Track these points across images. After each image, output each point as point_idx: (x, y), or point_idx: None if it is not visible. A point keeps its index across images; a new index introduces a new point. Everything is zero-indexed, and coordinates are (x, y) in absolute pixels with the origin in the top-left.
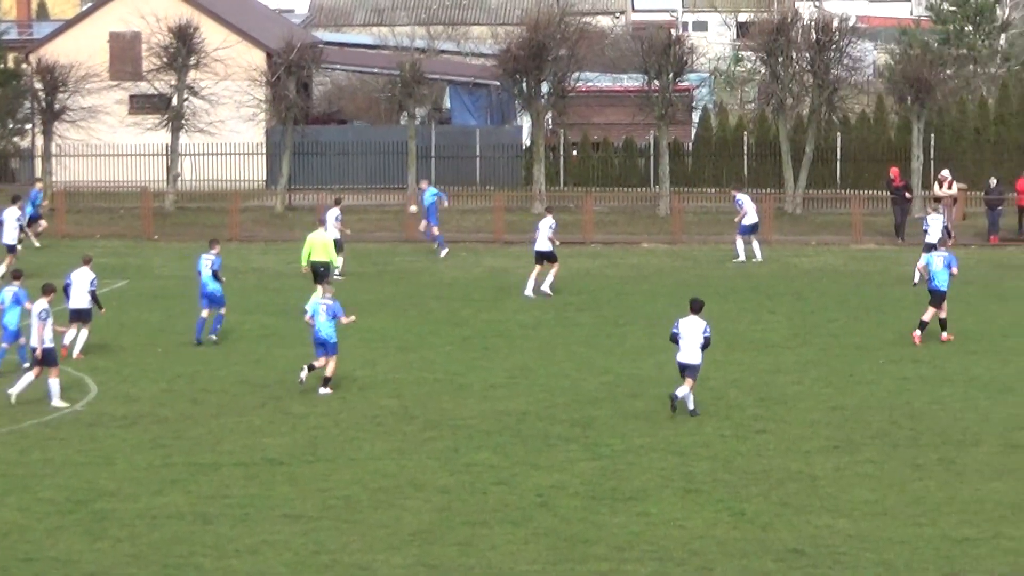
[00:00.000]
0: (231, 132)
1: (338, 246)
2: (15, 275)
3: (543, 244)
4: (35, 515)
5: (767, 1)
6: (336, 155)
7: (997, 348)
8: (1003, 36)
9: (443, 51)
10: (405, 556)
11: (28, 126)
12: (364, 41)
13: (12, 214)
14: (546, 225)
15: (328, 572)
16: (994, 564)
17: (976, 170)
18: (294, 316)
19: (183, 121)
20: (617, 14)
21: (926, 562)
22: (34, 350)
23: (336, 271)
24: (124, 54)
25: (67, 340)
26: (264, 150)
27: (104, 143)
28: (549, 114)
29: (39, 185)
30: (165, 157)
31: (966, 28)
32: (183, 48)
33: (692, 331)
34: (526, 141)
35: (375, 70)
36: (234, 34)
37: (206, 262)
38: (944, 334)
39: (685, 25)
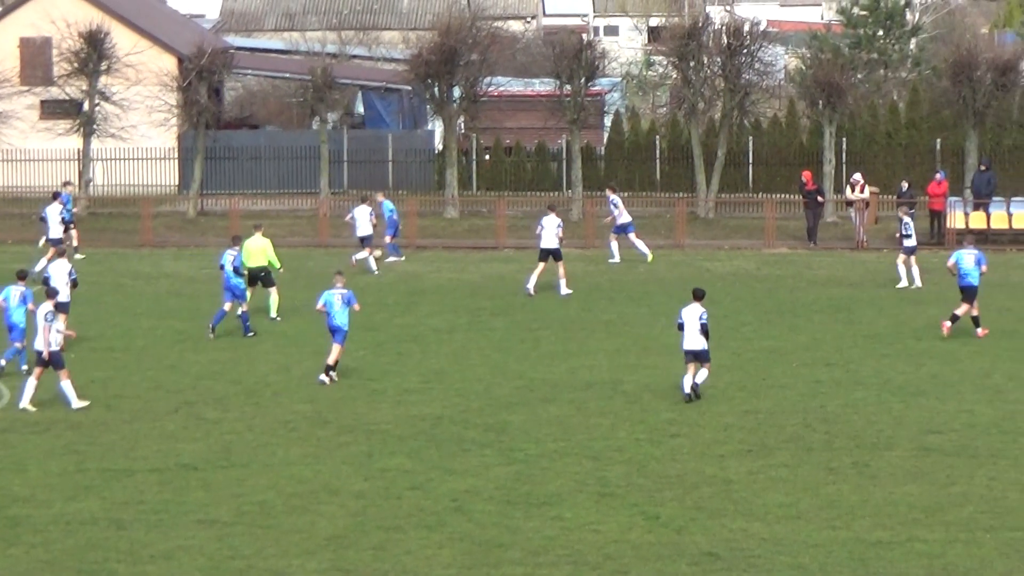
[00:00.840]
0: (143, 137)
1: (366, 241)
2: (20, 275)
3: (550, 242)
4: None
5: (678, 6)
6: (248, 160)
7: (910, 351)
8: (913, 40)
9: (354, 56)
10: (320, 561)
11: None
12: (275, 46)
13: (55, 209)
14: (553, 223)
15: None
16: (908, 567)
17: (888, 174)
18: (206, 320)
19: (95, 126)
20: (528, 19)
21: (840, 565)
22: (40, 353)
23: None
24: (34, 59)
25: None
26: (176, 155)
27: (15, 148)
28: (461, 118)
29: (69, 189)
30: (77, 162)
31: (877, 32)
32: (94, 53)
33: (692, 317)
34: (438, 146)
35: (287, 75)
36: (145, 39)
37: (229, 258)
38: (979, 330)
39: (596, 30)
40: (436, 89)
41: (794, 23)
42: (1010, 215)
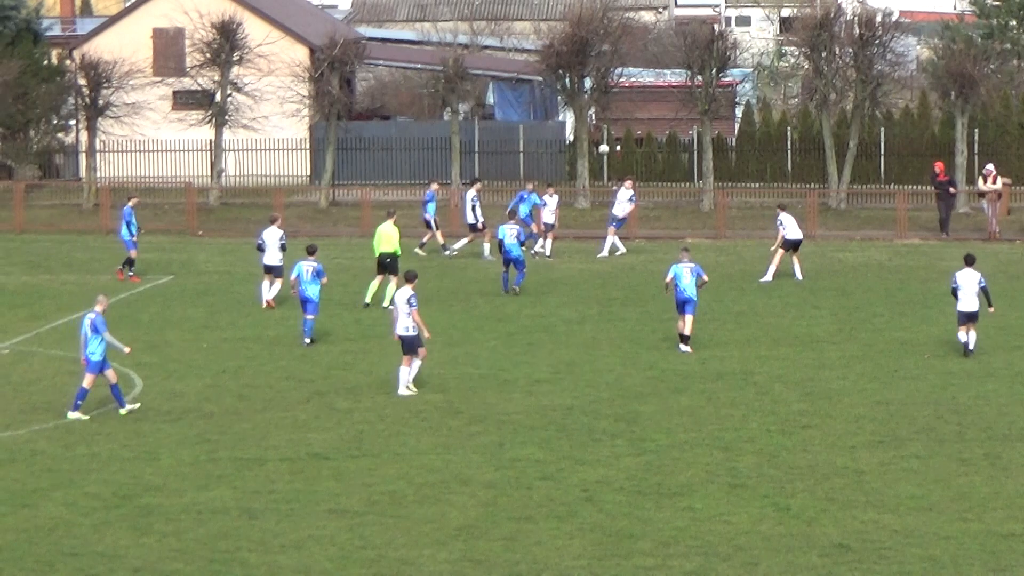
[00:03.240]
0: (274, 128)
1: (473, 228)
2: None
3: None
4: (81, 510)
5: None
6: (379, 151)
7: None
8: None
9: (486, 47)
10: (450, 551)
11: (72, 122)
12: (407, 37)
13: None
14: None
15: (373, 567)
16: None
17: (1021, 165)
18: (347, 310)
19: (226, 117)
20: (660, 9)
21: (972, 558)
22: (410, 337)
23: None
24: (167, 50)
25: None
26: (308, 146)
27: (148, 139)
28: (592, 109)
29: (133, 202)
30: (209, 153)
31: (1010, 23)
32: (226, 44)
33: (969, 281)
34: (569, 137)
35: (418, 66)
36: (277, 30)
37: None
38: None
39: (728, 20)
40: (567, 80)
41: (926, 13)
42: None
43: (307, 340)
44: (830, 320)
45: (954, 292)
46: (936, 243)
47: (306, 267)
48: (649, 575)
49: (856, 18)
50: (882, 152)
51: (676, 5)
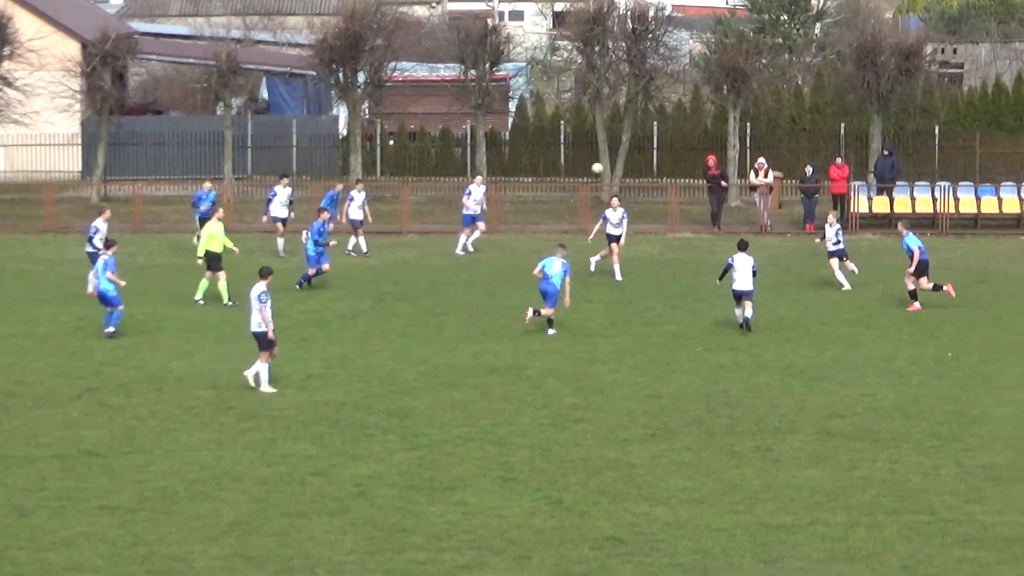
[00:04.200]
0: (46, 123)
1: (356, 225)
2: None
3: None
4: None
5: None
6: (152, 145)
7: (812, 336)
8: (818, 25)
9: (259, 41)
10: (223, 547)
11: None
12: (180, 31)
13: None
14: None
15: (146, 564)
16: (810, 551)
17: (792, 158)
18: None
19: None
20: (433, 3)
21: (743, 549)
22: (260, 334)
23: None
24: None
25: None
26: (79, 141)
27: None
28: (366, 104)
29: (207, 186)
30: None
31: (781, 17)
32: None
33: (744, 265)
34: (343, 131)
35: (191, 60)
36: (48, 24)
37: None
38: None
39: (501, 15)
40: (341, 74)
41: (699, 8)
42: (913, 199)
43: (110, 329)
44: (603, 314)
45: (727, 269)
46: (708, 236)
47: (101, 262)
48: (422, 569)
49: (629, 13)
50: (655, 146)
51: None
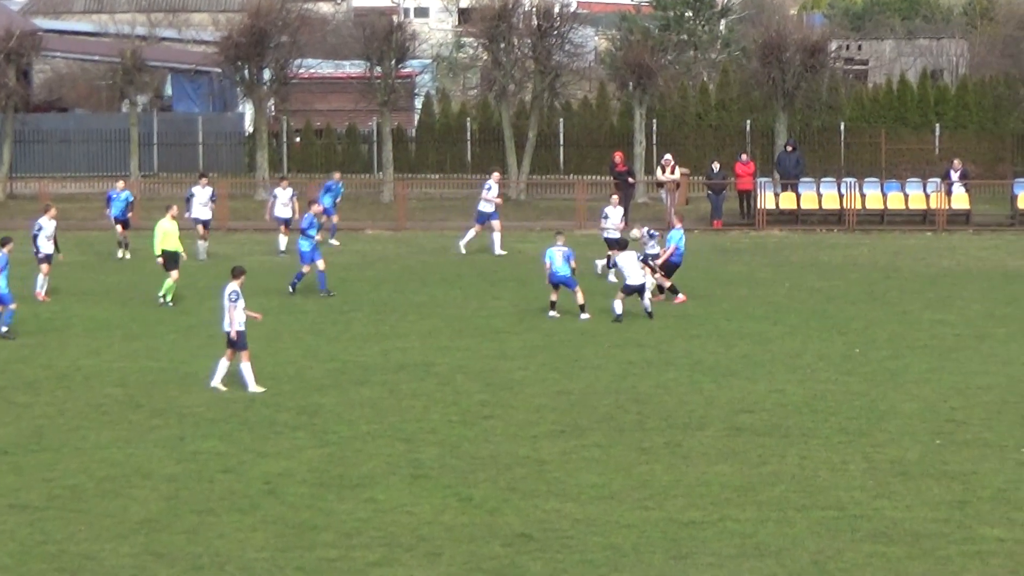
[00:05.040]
0: None
1: (289, 224)
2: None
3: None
4: None
5: None
6: (58, 143)
7: (721, 332)
8: (723, 22)
9: (164, 38)
10: (132, 545)
11: None
12: (84, 28)
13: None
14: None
15: (55, 562)
16: (720, 546)
17: (699, 155)
18: (24, 303)
19: None
20: (339, 1)
21: (653, 545)
22: (227, 333)
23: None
24: None
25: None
26: None
27: None
28: (271, 101)
29: (120, 186)
30: None
31: (686, 14)
32: None
33: (630, 260)
34: (248, 128)
35: (96, 58)
36: None
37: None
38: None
39: (406, 11)
40: (246, 71)
41: (604, 4)
42: (820, 195)
43: (3, 329)
44: (511, 310)
45: (619, 271)
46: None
47: None
48: (333, 566)
49: (534, 9)
50: (561, 143)
51: None
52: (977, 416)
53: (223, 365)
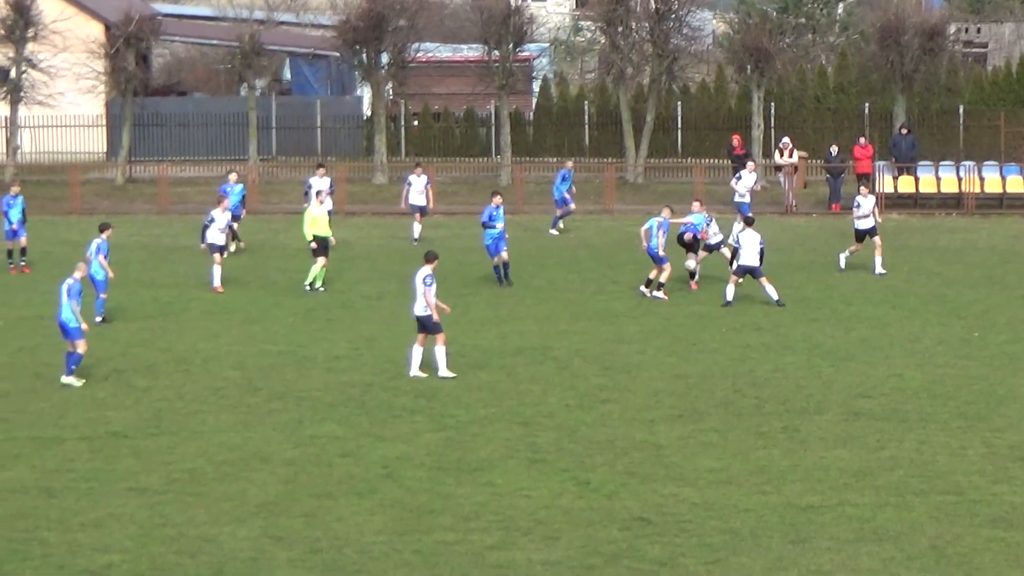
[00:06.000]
0: (70, 104)
1: (424, 212)
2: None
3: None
4: None
5: None
6: (176, 127)
7: (839, 316)
8: (841, 5)
9: (282, 22)
10: (251, 528)
11: None
12: (203, 13)
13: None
14: (870, 203)
15: (173, 545)
16: (838, 531)
17: (816, 138)
18: (144, 287)
19: (21, 94)
20: None
21: (771, 529)
22: (419, 317)
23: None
24: None
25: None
26: (104, 122)
27: None
28: (389, 84)
29: (233, 178)
30: (4, 130)
31: None
32: (20, 20)
33: (751, 240)
34: (366, 112)
35: (214, 42)
36: (72, 6)
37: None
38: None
39: None
40: (364, 55)
41: None
42: (938, 179)
43: (99, 319)
44: (628, 294)
45: (735, 251)
46: (734, 216)
47: (94, 245)
48: (450, 550)
49: None
50: (679, 126)
51: None
52: None
53: (417, 352)
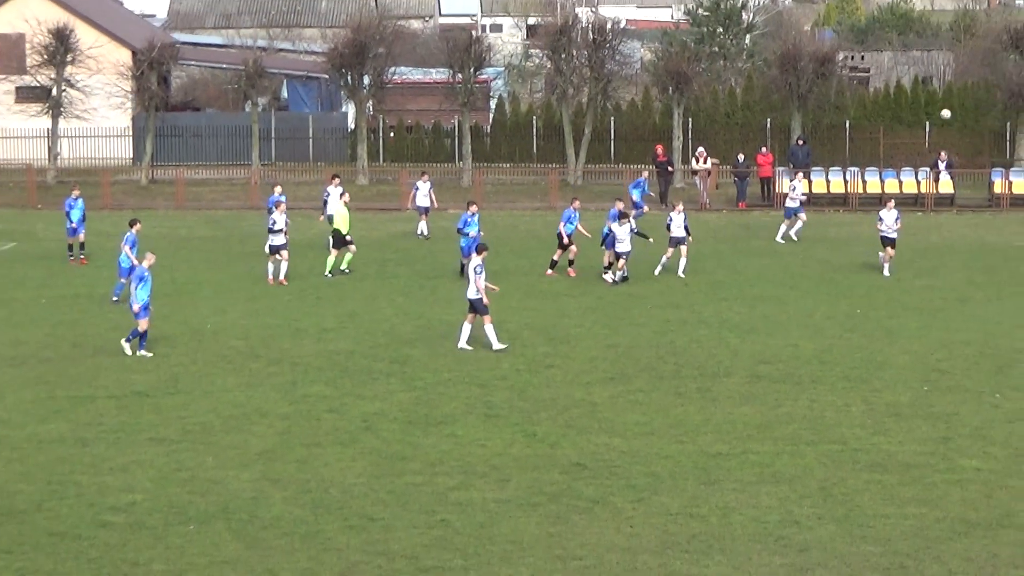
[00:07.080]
0: (102, 118)
1: (427, 212)
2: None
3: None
4: None
5: (552, 6)
6: (191, 137)
7: (744, 296)
8: (748, 36)
9: (281, 49)
10: (252, 472)
11: None
12: (214, 41)
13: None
14: (892, 217)
15: (187, 486)
16: (743, 474)
17: (726, 147)
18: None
19: (61, 109)
20: (426, 18)
21: (687, 473)
22: (471, 300)
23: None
24: (10, 52)
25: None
26: (130, 133)
27: None
28: (370, 102)
29: (279, 190)
30: (46, 139)
31: (718, 30)
32: (61, 47)
33: (678, 219)
34: (351, 125)
35: (223, 66)
36: (104, 35)
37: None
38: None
39: (484, 27)
40: (349, 77)
41: (648, 21)
42: (828, 182)
43: (115, 299)
44: (569, 278)
45: (667, 226)
46: (658, 212)
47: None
48: (419, 490)
49: (590, 25)
50: (612, 137)
51: (440, 14)
52: (959, 367)
53: (466, 328)
